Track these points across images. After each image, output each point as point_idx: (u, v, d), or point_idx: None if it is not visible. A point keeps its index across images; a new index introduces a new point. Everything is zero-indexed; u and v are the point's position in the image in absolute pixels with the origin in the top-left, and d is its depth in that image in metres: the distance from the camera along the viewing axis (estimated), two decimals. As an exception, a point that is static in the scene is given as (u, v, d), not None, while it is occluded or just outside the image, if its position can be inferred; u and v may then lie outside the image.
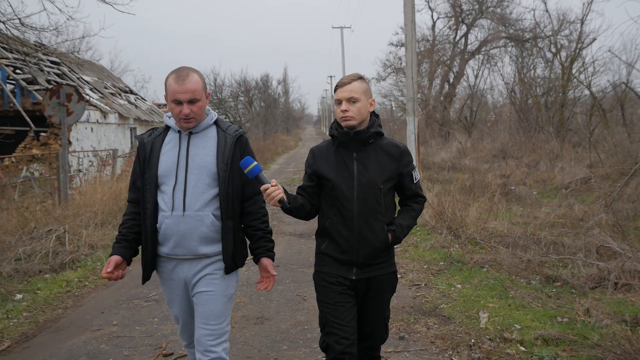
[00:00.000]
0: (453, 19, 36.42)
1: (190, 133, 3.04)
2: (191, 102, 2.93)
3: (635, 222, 9.51)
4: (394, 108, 49.50)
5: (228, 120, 56.73)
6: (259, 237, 3.13)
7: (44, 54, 19.24)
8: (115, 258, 2.97)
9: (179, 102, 2.93)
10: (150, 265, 3.05)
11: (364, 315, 3.15)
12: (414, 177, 3.15)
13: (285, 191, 2.94)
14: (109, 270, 2.91)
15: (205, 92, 3.04)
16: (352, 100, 3.01)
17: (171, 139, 3.07)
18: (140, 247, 3.13)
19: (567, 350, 4.23)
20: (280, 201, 2.87)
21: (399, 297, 5.94)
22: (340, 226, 3.05)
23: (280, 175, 21.36)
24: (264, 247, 3.13)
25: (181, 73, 2.95)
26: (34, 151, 20.10)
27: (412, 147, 13.63)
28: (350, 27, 72.66)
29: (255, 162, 2.89)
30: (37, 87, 20.44)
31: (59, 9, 10.42)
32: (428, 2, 36.53)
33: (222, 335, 3.02)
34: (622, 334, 4.02)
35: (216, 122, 3.13)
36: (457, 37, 36.83)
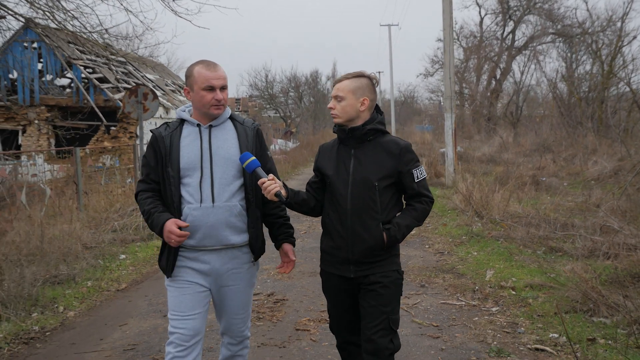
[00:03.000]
0: (500, 15, 36.95)
1: (211, 126, 3.09)
2: (222, 88, 3.02)
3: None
4: (442, 102, 50.29)
5: (279, 115, 58.39)
6: (280, 224, 3.26)
7: (113, 56, 21.03)
8: (175, 220, 2.93)
9: (211, 88, 2.99)
10: (174, 258, 3.04)
11: (365, 315, 3.07)
12: (416, 175, 3.07)
13: (285, 186, 3.03)
14: (177, 233, 2.88)
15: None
16: (337, 98, 3.07)
17: (190, 132, 3.09)
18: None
19: (546, 293, 5.55)
20: (277, 195, 2.93)
21: (424, 260, 7.36)
22: (336, 223, 3.08)
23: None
24: (285, 234, 3.25)
25: (209, 62, 3.06)
26: (106, 144, 22.11)
27: (449, 142, 14.93)
28: (397, 25, 73.00)
29: (253, 157, 2.98)
30: (107, 85, 22.45)
31: (141, 21, 12.04)
32: (476, -1, 37.12)
33: (248, 319, 3.27)
34: (581, 277, 5.32)
35: (231, 117, 3.20)
36: (505, 34, 37.29)
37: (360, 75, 3.10)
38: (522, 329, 4.84)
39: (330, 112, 3.11)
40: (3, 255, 6.69)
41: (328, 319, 3.37)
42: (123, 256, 7.86)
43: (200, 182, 2.99)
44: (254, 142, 3.13)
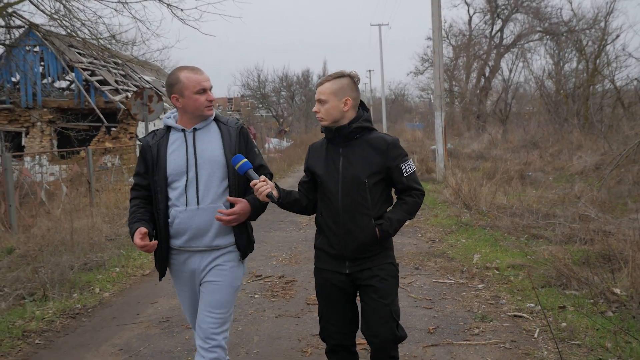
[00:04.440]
0: (489, 13, 37.63)
1: (195, 130, 3.14)
2: (211, 89, 3.13)
3: (625, 199, 11.36)
4: (432, 101, 51.03)
5: (271, 114, 58.97)
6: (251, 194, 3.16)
7: (115, 59, 21.65)
8: (141, 229, 2.96)
9: (204, 90, 3.07)
10: (165, 259, 3.14)
11: (366, 309, 3.12)
12: (405, 170, 3.11)
13: (277, 186, 3.10)
14: (140, 238, 2.93)
15: None
16: (321, 102, 3.10)
17: (176, 138, 3.14)
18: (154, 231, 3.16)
19: (525, 272, 6.30)
20: (269, 196, 2.99)
21: (417, 247, 8.11)
22: (329, 221, 3.12)
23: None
24: (251, 197, 3.13)
25: (192, 67, 3.12)
26: (107, 144, 22.72)
27: (439, 139, 15.69)
28: (387, 24, 73.78)
29: (245, 159, 3.03)
30: (107, 87, 23.05)
31: (147, 28, 12.71)
32: (464, -2, 37.79)
33: (225, 324, 3.11)
34: (556, 257, 6.07)
35: (215, 118, 3.24)
36: (493, 32, 37.93)
37: (340, 75, 3.12)
38: (504, 300, 5.59)
39: (315, 115, 3.15)
40: (37, 246, 7.39)
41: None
42: (142, 247, 8.54)
43: (186, 185, 3.05)
44: (237, 142, 3.16)
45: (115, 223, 9.99)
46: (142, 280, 6.93)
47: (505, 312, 5.25)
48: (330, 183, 3.11)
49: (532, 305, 5.32)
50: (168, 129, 3.19)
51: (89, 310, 5.86)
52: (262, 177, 3.01)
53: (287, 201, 3.17)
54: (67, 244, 7.49)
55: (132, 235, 3.01)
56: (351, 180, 3.06)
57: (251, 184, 3.00)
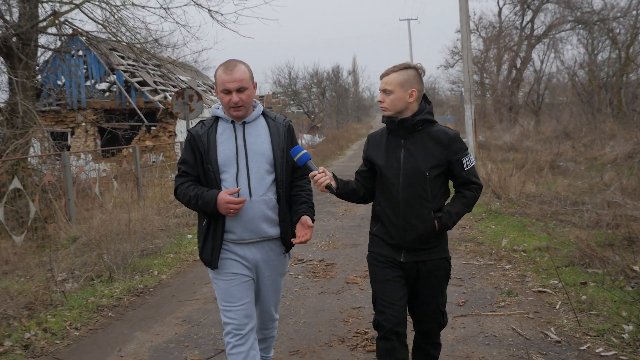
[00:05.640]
0: (519, 4, 37.49)
1: (244, 123, 3.18)
2: (239, 90, 3.06)
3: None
4: (463, 94, 50.90)
5: (302, 111, 59.55)
6: (301, 201, 3.26)
7: (156, 60, 22.46)
8: (222, 193, 3.05)
9: (228, 92, 3.07)
10: (218, 251, 3.17)
11: (417, 301, 3.25)
12: (465, 164, 3.12)
13: (335, 177, 3.11)
14: (235, 201, 3.01)
15: (252, 82, 3.16)
16: (386, 92, 3.11)
17: (225, 129, 3.19)
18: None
19: (551, 253, 6.73)
20: (328, 187, 3.02)
21: (449, 233, 8.52)
22: (388, 211, 3.14)
23: (355, 160, 24.06)
24: (306, 209, 3.23)
25: (229, 64, 3.10)
26: (147, 143, 23.59)
27: (469, 132, 16.05)
28: (417, 19, 73.87)
29: (304, 151, 3.07)
30: (147, 87, 23.91)
31: (188, 32, 13.38)
32: (494, -11, 37.71)
33: (278, 303, 3.54)
34: (580, 239, 6.50)
35: (264, 113, 3.29)
36: (524, 23, 37.73)
37: (406, 67, 3.13)
38: (529, 279, 6.05)
39: (379, 104, 3.17)
40: (98, 235, 8.08)
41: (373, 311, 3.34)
42: (190, 236, 9.19)
43: (237, 177, 3.10)
44: (285, 138, 3.22)
45: (164, 215, 10.66)
46: (194, 265, 7.54)
47: (530, 288, 5.72)
48: (390, 174, 3.12)
49: (556, 282, 5.77)
50: (216, 119, 3.24)
51: (151, 289, 6.50)
52: (321, 169, 3.04)
53: (344, 191, 3.22)
54: (123, 233, 8.15)
55: (211, 202, 3.03)
56: (412, 172, 3.07)
57: (310, 174, 3.05)
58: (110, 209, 10.46)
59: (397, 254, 3.16)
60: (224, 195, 3.01)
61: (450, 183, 3.25)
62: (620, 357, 3.97)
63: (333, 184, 3.07)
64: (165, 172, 16.17)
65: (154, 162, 19.29)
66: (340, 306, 5.54)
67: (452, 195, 3.26)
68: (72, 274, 6.82)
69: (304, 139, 39.55)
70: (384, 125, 3.26)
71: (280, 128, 3.25)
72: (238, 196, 3.08)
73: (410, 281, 3.20)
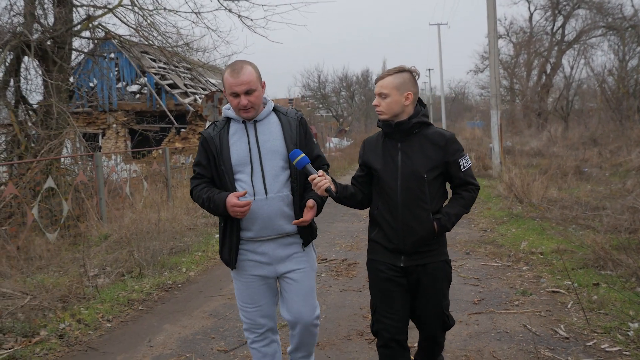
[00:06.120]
0: (550, 10, 37.29)
1: (256, 121, 3.19)
2: (247, 93, 3.06)
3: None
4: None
5: (331, 114, 59.84)
6: (311, 189, 3.20)
7: (186, 64, 22.98)
8: (235, 192, 3.08)
9: (236, 95, 3.07)
10: (235, 250, 3.21)
11: (419, 305, 3.23)
12: (462, 165, 3.15)
13: (333, 181, 3.09)
14: (241, 204, 3.01)
15: (260, 82, 3.16)
16: (382, 96, 3.12)
17: (237, 129, 3.20)
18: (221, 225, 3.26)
19: (567, 256, 6.87)
20: (327, 190, 3.01)
21: (469, 236, 8.76)
22: (386, 215, 3.14)
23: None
24: (314, 194, 3.18)
25: (235, 67, 3.09)
26: (177, 144, 24.08)
27: (495, 137, 16.15)
28: (447, 24, 73.68)
29: (303, 154, 3.06)
30: (177, 90, 24.42)
31: (218, 36, 13.76)
32: (525, -5, 37.60)
33: (317, 308, 3.36)
34: (596, 242, 6.63)
35: (275, 109, 3.29)
36: (555, 28, 37.49)
37: (401, 70, 3.14)
38: (544, 280, 6.21)
39: (375, 109, 3.17)
40: (128, 233, 8.43)
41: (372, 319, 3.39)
42: (217, 235, 9.47)
43: (252, 176, 3.12)
44: (297, 132, 3.21)
45: (192, 215, 11.01)
46: (221, 263, 7.70)
47: (544, 289, 5.88)
48: (388, 177, 3.13)
49: (569, 283, 5.92)
50: (228, 120, 3.26)
51: (179, 285, 6.82)
52: (320, 172, 3.03)
53: (343, 195, 3.21)
54: (153, 232, 8.49)
55: (220, 206, 3.07)
56: (411, 174, 3.09)
57: (309, 178, 3.03)
58: (140, 209, 10.84)
59: (396, 259, 3.16)
60: (230, 199, 3.03)
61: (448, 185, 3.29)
62: (624, 353, 4.13)
63: (332, 187, 3.05)
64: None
65: (183, 163, 19.71)
66: (360, 303, 5.77)
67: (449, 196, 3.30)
68: (104, 269, 7.17)
69: (332, 142, 39.82)
70: (380, 129, 3.29)
71: (292, 122, 3.24)
72: (248, 197, 3.12)
73: (412, 286, 3.20)
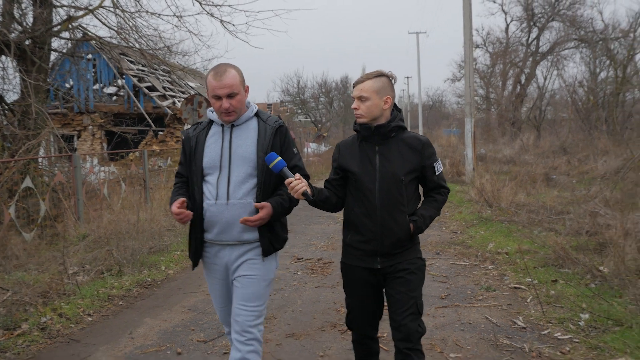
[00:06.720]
0: (525, 21, 38.09)
1: (233, 126, 3.18)
2: (230, 96, 3.06)
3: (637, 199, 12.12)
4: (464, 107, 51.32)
5: (310, 120, 60.14)
6: (278, 195, 3.17)
7: (165, 66, 23.11)
8: (180, 199, 3.07)
9: (218, 97, 3.06)
10: (199, 250, 3.24)
11: (393, 301, 3.19)
12: (436, 169, 3.22)
13: (309, 185, 3.07)
14: (177, 206, 3.02)
15: (243, 85, 3.15)
16: (362, 99, 3.14)
17: (215, 132, 3.21)
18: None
19: (530, 256, 7.24)
20: (304, 194, 2.98)
21: (440, 237, 9.12)
22: (364, 217, 3.16)
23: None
24: (273, 199, 3.14)
25: (219, 70, 3.08)
26: (154, 147, 24.18)
27: (469, 144, 16.59)
28: (425, 32, 74.36)
29: (279, 158, 3.01)
30: (156, 93, 24.51)
31: (199, 40, 13.94)
32: (502, 6, 38.55)
33: (260, 317, 3.16)
34: (557, 243, 7.02)
35: (257, 114, 3.25)
36: (530, 39, 38.24)
37: (380, 74, 3.18)
38: (508, 277, 6.58)
39: (354, 112, 3.18)
40: (106, 233, 8.62)
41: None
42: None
43: (218, 180, 3.11)
44: (271, 140, 3.15)
45: (170, 216, 11.20)
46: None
47: (507, 285, 6.25)
48: (366, 180, 3.15)
49: (530, 280, 6.29)
50: (210, 122, 3.27)
51: (158, 282, 7.04)
52: (297, 175, 3.00)
53: (319, 199, 3.20)
54: (132, 232, 8.69)
55: (171, 205, 3.11)
56: (389, 177, 3.12)
57: (286, 182, 3.00)
58: (118, 210, 11.01)
59: (373, 261, 3.18)
60: (173, 206, 3.06)
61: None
62: (574, 340, 4.51)
63: (309, 191, 3.03)
64: (172, 176, 16.74)
65: (160, 166, 19.85)
66: (334, 298, 6.06)
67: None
68: (83, 267, 7.35)
69: (310, 147, 40.11)
70: (355, 133, 3.33)
71: (269, 130, 3.19)
72: (210, 200, 3.14)
73: (387, 282, 3.22)
